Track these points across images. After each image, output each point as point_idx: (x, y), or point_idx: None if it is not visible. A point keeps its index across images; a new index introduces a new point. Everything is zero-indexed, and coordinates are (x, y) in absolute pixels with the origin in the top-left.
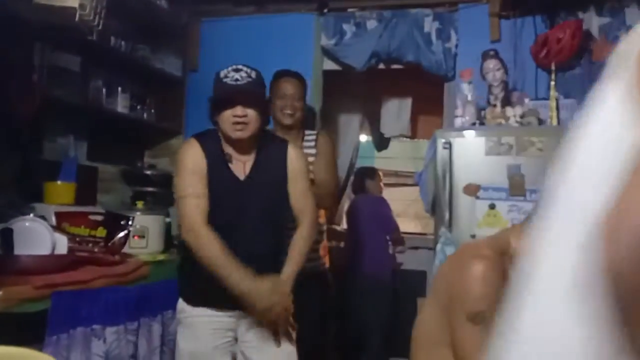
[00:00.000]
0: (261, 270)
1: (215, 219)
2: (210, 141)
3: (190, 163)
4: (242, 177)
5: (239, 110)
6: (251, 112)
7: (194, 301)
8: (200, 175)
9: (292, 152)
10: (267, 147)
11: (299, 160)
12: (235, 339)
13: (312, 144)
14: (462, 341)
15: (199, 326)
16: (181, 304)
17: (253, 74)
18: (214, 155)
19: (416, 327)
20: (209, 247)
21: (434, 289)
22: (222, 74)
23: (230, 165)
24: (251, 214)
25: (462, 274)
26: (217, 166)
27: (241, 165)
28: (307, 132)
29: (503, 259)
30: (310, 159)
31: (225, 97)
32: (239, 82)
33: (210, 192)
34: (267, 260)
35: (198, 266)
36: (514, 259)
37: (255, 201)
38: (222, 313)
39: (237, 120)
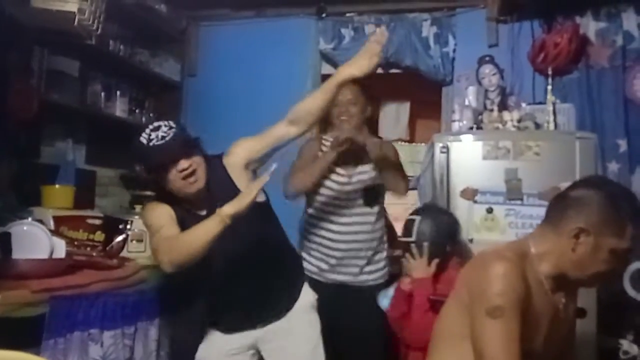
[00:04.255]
0: (274, 301)
1: (209, 269)
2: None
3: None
4: (204, 212)
5: (183, 164)
6: (195, 159)
7: (210, 324)
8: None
9: (228, 162)
10: (211, 172)
11: (237, 160)
12: (256, 349)
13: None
14: (481, 334)
15: (215, 343)
16: None
17: (172, 124)
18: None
19: (437, 324)
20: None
21: (455, 289)
22: (144, 140)
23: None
24: (237, 245)
25: (484, 272)
26: (185, 216)
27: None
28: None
29: (523, 262)
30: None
31: (164, 159)
32: (167, 138)
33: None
34: (278, 288)
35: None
36: (532, 263)
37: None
38: (238, 335)
39: (186, 174)
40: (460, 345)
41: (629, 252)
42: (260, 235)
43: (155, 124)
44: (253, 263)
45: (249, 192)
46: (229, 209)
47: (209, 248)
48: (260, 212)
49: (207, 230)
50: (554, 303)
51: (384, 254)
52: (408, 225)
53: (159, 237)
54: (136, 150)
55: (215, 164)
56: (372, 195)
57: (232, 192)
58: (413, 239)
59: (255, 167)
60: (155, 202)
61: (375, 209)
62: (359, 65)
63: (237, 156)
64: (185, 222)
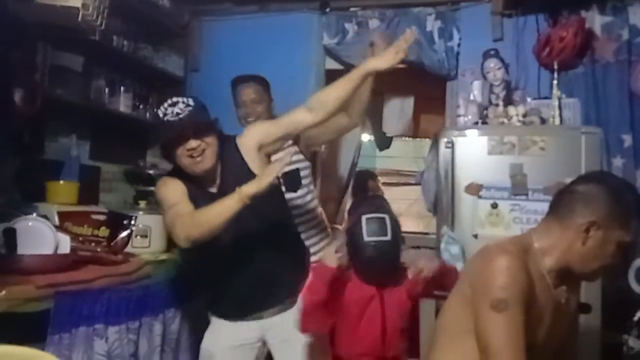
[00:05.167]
0: (283, 281)
1: (220, 244)
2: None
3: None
4: (215, 190)
5: (191, 143)
6: (207, 140)
7: (214, 310)
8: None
9: (242, 142)
10: (224, 152)
11: (251, 142)
12: (263, 342)
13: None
14: (486, 328)
15: (221, 334)
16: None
17: (190, 102)
18: (190, 186)
19: (439, 318)
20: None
21: (458, 284)
22: (160, 114)
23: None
24: (250, 224)
25: (487, 266)
26: (196, 193)
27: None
28: None
29: (526, 256)
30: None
31: (174, 135)
32: (180, 116)
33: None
34: (284, 271)
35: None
36: (535, 257)
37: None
38: (245, 323)
39: (193, 153)
40: (463, 339)
41: (632, 245)
42: (271, 217)
43: (174, 99)
44: (262, 244)
45: (268, 173)
46: (249, 188)
47: (225, 226)
48: (273, 194)
49: (225, 208)
50: (556, 297)
51: (327, 234)
52: (374, 224)
53: (174, 213)
54: (157, 121)
55: (229, 144)
56: (292, 179)
57: (243, 172)
58: (388, 238)
59: (268, 150)
60: (168, 177)
61: (300, 192)
62: (386, 59)
63: (251, 138)
64: (196, 198)
